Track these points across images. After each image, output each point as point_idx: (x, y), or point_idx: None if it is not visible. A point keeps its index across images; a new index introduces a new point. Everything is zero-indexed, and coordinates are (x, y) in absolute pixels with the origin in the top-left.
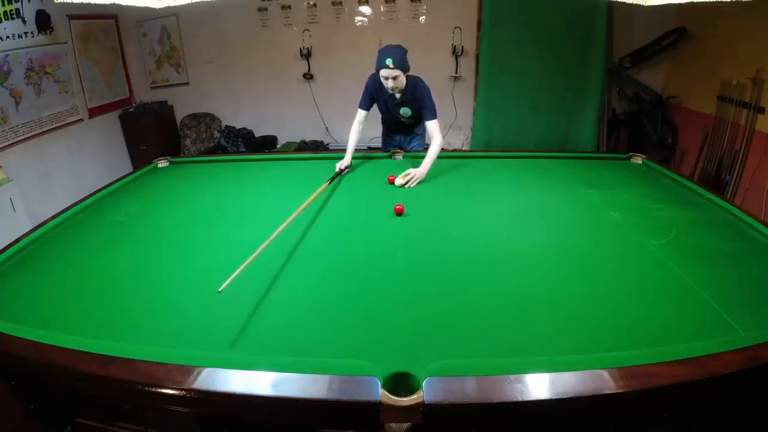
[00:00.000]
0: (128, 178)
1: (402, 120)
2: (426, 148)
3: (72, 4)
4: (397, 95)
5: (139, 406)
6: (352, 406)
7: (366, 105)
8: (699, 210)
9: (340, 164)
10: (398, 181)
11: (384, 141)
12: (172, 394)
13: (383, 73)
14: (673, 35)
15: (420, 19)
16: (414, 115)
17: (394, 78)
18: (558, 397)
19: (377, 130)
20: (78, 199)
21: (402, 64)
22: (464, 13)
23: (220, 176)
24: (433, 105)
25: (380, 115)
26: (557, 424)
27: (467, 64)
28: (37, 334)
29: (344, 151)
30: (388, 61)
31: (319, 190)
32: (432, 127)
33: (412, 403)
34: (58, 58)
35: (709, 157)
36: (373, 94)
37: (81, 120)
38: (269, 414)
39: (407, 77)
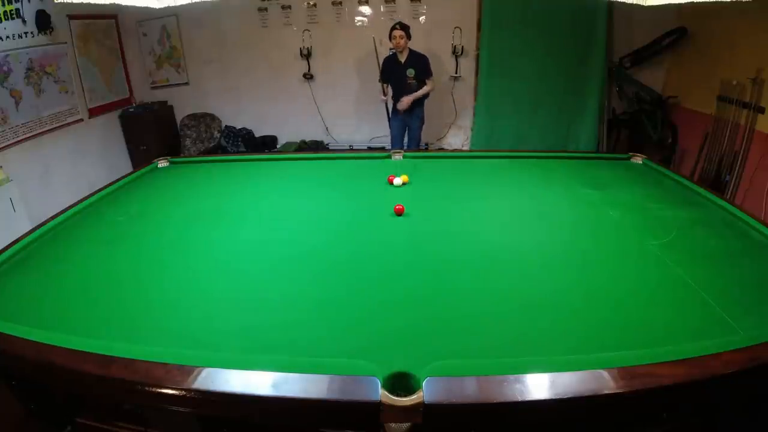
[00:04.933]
0: (128, 178)
1: (408, 82)
2: (422, 147)
3: (72, 4)
4: (402, 60)
5: (139, 406)
6: (352, 406)
7: (385, 77)
8: (699, 210)
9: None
10: (397, 181)
11: (391, 117)
12: (172, 394)
13: (395, 33)
14: (673, 35)
15: (420, 19)
16: (416, 76)
17: (401, 36)
18: (558, 397)
19: (377, 129)
20: (78, 199)
21: (406, 29)
22: (464, 13)
23: (220, 176)
24: (429, 69)
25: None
26: (557, 424)
27: (467, 64)
28: (37, 334)
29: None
30: (398, 26)
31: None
32: (428, 81)
33: (412, 403)
34: (58, 58)
35: (709, 157)
36: (387, 69)
37: (81, 120)
38: (269, 414)
39: (413, 51)
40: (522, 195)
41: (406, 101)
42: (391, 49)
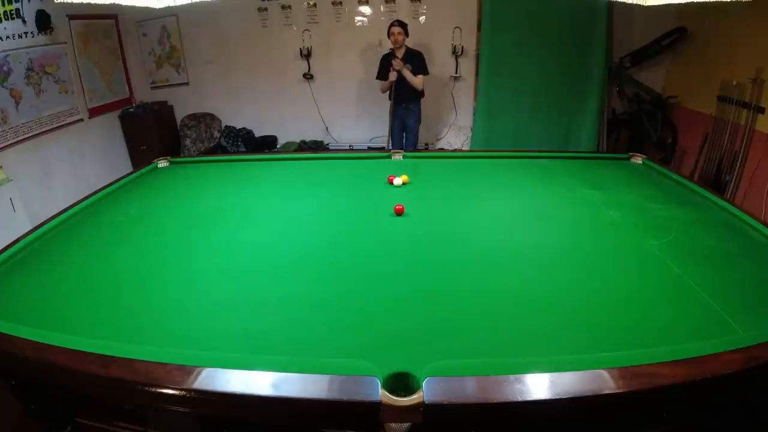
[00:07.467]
0: (128, 178)
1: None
2: (422, 147)
3: (72, 4)
4: (399, 56)
5: (140, 406)
6: (352, 406)
7: (382, 75)
8: (699, 210)
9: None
10: (397, 181)
11: (391, 116)
12: (172, 394)
13: (393, 30)
14: (673, 35)
15: (420, 19)
16: (413, 71)
17: (399, 33)
18: (558, 397)
19: (377, 129)
20: (78, 199)
21: (404, 27)
22: (464, 13)
23: (220, 176)
24: (425, 66)
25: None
26: (557, 424)
27: (467, 64)
28: (37, 334)
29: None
30: (396, 23)
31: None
32: (420, 76)
33: (412, 403)
34: (58, 58)
35: (709, 157)
36: (385, 66)
37: (81, 120)
38: (269, 414)
39: (409, 48)
40: (522, 195)
41: (397, 62)
42: (390, 48)
